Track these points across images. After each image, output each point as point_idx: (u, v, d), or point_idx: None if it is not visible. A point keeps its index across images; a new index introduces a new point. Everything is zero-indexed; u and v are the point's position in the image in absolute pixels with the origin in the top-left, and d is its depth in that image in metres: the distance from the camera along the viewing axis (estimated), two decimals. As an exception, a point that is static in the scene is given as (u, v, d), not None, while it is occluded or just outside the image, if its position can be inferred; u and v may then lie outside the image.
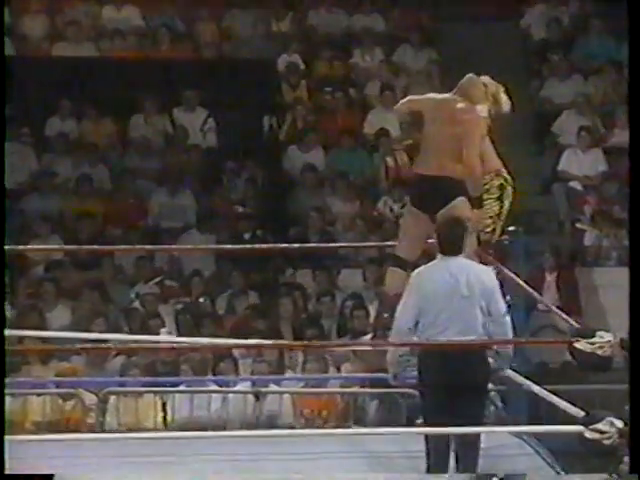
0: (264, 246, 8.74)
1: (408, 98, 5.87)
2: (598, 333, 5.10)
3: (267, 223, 9.90)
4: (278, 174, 10.44)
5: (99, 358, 8.12)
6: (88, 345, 7.19)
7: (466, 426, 4.93)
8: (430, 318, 5.01)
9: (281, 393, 7.61)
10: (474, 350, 5.02)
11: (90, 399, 7.33)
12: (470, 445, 5.03)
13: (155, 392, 7.56)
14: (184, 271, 9.46)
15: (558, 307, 6.82)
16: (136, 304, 9.03)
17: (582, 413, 4.87)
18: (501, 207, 5.56)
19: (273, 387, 7.68)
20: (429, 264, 5.16)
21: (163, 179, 10.17)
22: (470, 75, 5.64)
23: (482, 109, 5.51)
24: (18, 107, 10.22)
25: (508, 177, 5.59)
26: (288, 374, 8.09)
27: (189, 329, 8.49)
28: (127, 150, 10.42)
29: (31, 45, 10.91)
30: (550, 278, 9.54)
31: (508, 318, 5.11)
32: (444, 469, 5.01)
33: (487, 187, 5.55)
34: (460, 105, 5.51)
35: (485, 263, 5.39)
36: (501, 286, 5.21)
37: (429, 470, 5.06)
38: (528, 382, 5.66)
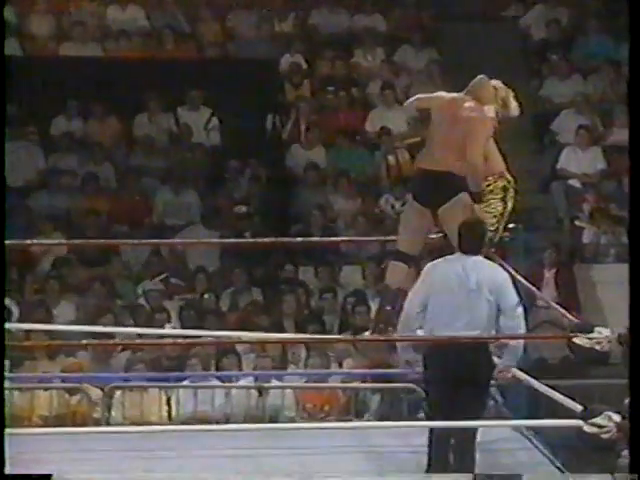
0: (267, 240, 8.74)
1: (417, 96, 5.90)
2: (596, 329, 5.10)
3: (270, 220, 9.90)
4: (281, 172, 10.43)
5: (105, 353, 8.13)
6: (94, 341, 7.20)
7: (467, 420, 4.93)
8: (437, 307, 5.03)
9: (284, 388, 7.61)
10: (479, 344, 5.02)
11: (96, 394, 7.33)
12: (468, 439, 5.02)
13: (160, 387, 7.56)
14: (189, 268, 9.47)
15: (557, 303, 6.81)
16: (141, 300, 9.04)
17: (580, 407, 4.87)
18: (504, 207, 5.59)
19: (276, 382, 7.69)
20: (445, 257, 5.18)
21: (167, 177, 10.17)
22: (481, 76, 5.67)
23: (489, 110, 5.53)
24: (25, 106, 10.23)
25: (511, 179, 5.63)
26: (291, 369, 8.09)
27: (193, 325, 8.49)
28: (132, 148, 10.42)
29: (38, 45, 10.91)
30: (549, 274, 9.54)
31: (520, 310, 5.12)
32: (445, 463, 5.00)
33: (491, 188, 5.59)
34: (468, 104, 5.52)
35: (489, 259, 5.40)
36: (513, 282, 5.22)
37: (430, 464, 5.06)
38: (527, 377, 5.66)
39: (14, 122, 10.31)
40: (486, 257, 5.37)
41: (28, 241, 8.69)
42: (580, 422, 4.78)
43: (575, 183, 10.43)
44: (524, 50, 11.42)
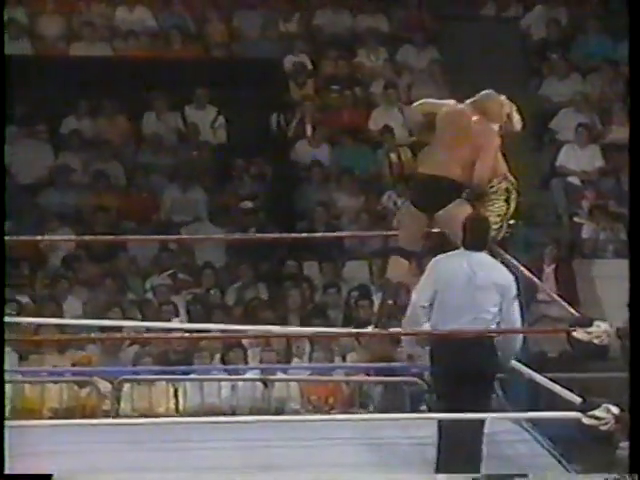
0: (272, 236, 8.75)
1: (425, 100, 5.89)
2: (595, 323, 5.09)
3: (275, 217, 9.90)
4: (286, 170, 10.43)
5: (113, 347, 8.13)
6: (103, 335, 7.20)
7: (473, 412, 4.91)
8: (443, 303, 5.02)
9: (289, 381, 7.62)
10: (483, 339, 5.01)
11: (105, 386, 7.34)
12: (475, 433, 5.00)
13: (167, 380, 7.57)
14: (196, 263, 9.47)
15: (556, 298, 6.79)
16: (149, 295, 9.05)
17: (579, 400, 4.87)
18: (507, 208, 5.61)
19: (281, 375, 7.69)
20: (449, 253, 5.17)
21: (175, 174, 10.17)
22: (490, 91, 5.67)
23: (495, 126, 5.54)
24: (35, 105, 10.24)
25: (514, 181, 5.64)
26: (295, 362, 8.09)
27: (200, 319, 8.49)
28: (140, 146, 10.42)
29: (48, 45, 10.91)
30: (549, 270, 9.53)
31: (518, 325, 5.10)
32: (454, 457, 4.97)
33: (495, 189, 5.61)
34: (476, 118, 5.52)
35: (493, 255, 5.40)
36: (515, 278, 5.22)
37: (439, 458, 5.02)
38: (528, 370, 5.66)
39: (24, 121, 10.32)
40: (490, 252, 5.37)
41: (38, 237, 8.73)
42: (579, 414, 4.77)
43: (574, 180, 10.42)
44: (524, 50, 11.41)
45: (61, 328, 7.63)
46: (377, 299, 8.30)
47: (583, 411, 4.76)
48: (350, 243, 9.66)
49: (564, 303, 5.62)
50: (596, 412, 4.73)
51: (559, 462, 5.48)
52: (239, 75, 10.48)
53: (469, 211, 5.40)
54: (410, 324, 5.17)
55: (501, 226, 5.60)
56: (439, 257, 5.18)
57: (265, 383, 7.55)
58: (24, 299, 8.71)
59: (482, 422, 4.97)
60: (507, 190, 5.59)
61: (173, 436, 5.59)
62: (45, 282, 9.08)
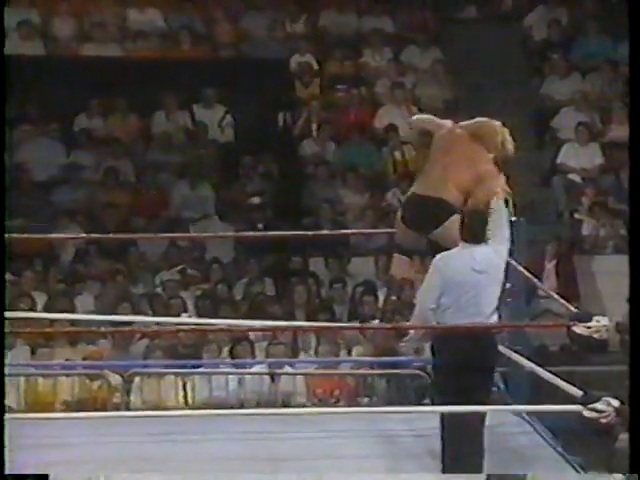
0: (279, 233, 8.75)
1: (421, 117, 5.80)
2: (595, 317, 5.07)
3: (282, 214, 9.89)
4: (292, 167, 10.42)
5: (124, 341, 8.13)
6: (114, 329, 7.19)
7: (476, 405, 4.89)
8: (451, 301, 4.99)
9: (295, 374, 7.61)
10: (485, 333, 4.99)
11: (115, 379, 7.34)
12: (476, 425, 4.99)
13: (176, 373, 7.57)
14: (204, 259, 9.47)
15: (557, 293, 6.79)
16: (159, 290, 9.04)
17: (580, 393, 4.85)
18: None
19: (287, 369, 7.68)
20: (452, 250, 5.13)
21: (184, 172, 10.16)
22: (485, 120, 5.54)
23: (490, 155, 5.46)
24: (48, 104, 10.24)
25: (509, 190, 5.54)
26: (302, 356, 8.08)
27: (208, 314, 8.49)
28: (150, 145, 10.42)
29: (60, 46, 10.91)
30: (550, 266, 9.52)
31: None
32: (458, 451, 4.94)
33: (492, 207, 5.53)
34: (473, 145, 5.40)
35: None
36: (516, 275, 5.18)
37: (444, 453, 5.00)
38: (529, 363, 5.64)
39: (37, 120, 10.32)
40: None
41: (52, 235, 8.72)
42: (580, 407, 4.75)
43: (575, 178, 10.40)
44: (525, 50, 11.39)
45: (73, 322, 7.64)
46: (382, 294, 8.29)
47: (584, 404, 4.74)
48: (355, 240, 9.65)
49: (562, 300, 5.60)
50: (597, 405, 4.71)
51: (560, 454, 5.47)
52: (246, 75, 10.47)
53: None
54: (418, 324, 5.14)
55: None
56: (441, 256, 5.14)
57: (272, 377, 7.55)
58: (38, 294, 8.72)
59: (483, 415, 4.95)
60: (506, 201, 5.52)
61: (182, 428, 5.58)
62: (58, 278, 9.09)
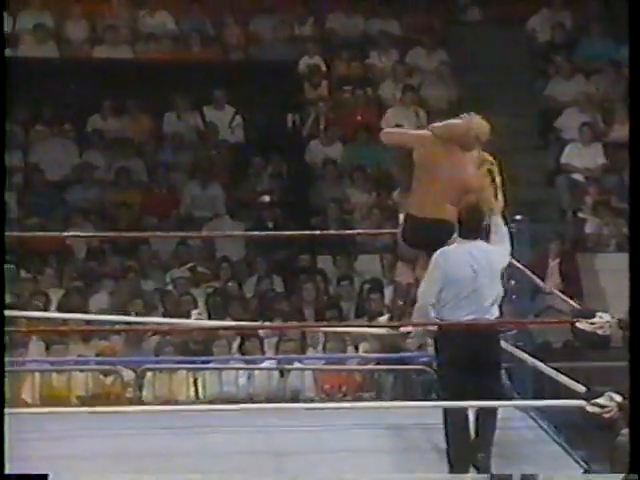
0: (288, 233, 8.75)
1: (389, 130, 5.71)
2: (598, 314, 5.07)
3: (291, 213, 9.89)
4: (301, 167, 10.43)
5: (136, 337, 8.15)
6: (125, 326, 7.20)
7: (486, 398, 4.89)
8: (451, 296, 4.99)
9: (303, 370, 7.61)
10: (488, 329, 4.99)
11: (128, 375, 7.36)
12: (489, 417, 4.97)
13: (187, 369, 7.58)
14: (215, 257, 9.47)
15: (561, 290, 6.79)
16: (170, 287, 9.05)
17: (583, 388, 4.84)
18: (495, 184, 5.40)
19: (296, 364, 7.69)
20: (451, 246, 5.13)
21: (195, 172, 10.17)
22: (453, 122, 5.32)
23: (469, 153, 5.36)
24: (61, 105, 10.25)
25: (489, 158, 5.44)
26: (310, 353, 8.09)
27: (218, 311, 8.50)
28: (161, 145, 10.43)
29: (73, 48, 10.93)
30: (554, 264, 9.50)
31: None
32: (465, 449, 4.93)
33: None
34: (453, 153, 5.25)
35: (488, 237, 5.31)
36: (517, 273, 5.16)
37: (449, 450, 4.99)
38: (533, 359, 5.64)
39: (51, 121, 10.34)
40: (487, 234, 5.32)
41: (65, 234, 8.74)
42: (583, 402, 4.75)
43: (578, 177, 10.39)
44: (530, 52, 11.37)
45: (87, 320, 7.64)
46: (388, 292, 8.29)
47: (587, 399, 4.74)
48: (362, 238, 9.64)
49: (565, 297, 5.59)
50: (600, 400, 4.71)
51: (564, 448, 5.46)
52: (256, 76, 10.48)
53: None
54: (418, 319, 5.14)
55: (498, 198, 5.43)
56: (442, 250, 5.13)
57: (281, 372, 7.55)
58: (54, 291, 8.74)
59: (494, 410, 4.94)
60: (490, 171, 5.42)
61: (192, 422, 5.59)
62: (73, 275, 9.11)
